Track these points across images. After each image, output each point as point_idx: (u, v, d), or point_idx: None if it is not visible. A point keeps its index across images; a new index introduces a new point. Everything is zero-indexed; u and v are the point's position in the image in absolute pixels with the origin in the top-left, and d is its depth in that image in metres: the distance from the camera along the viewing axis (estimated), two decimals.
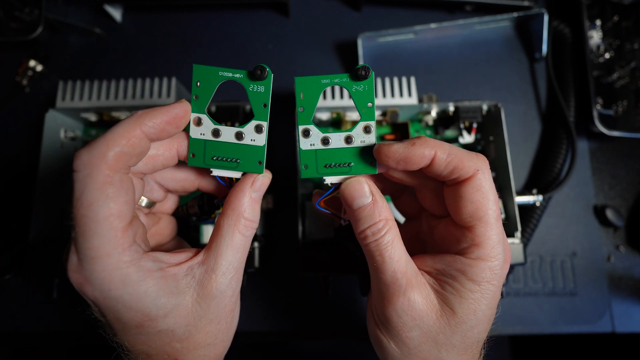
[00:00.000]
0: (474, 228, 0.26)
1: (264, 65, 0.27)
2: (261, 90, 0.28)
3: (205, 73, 0.27)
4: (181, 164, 0.30)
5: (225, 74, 0.27)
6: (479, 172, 0.26)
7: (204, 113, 0.28)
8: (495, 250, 0.26)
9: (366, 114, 0.28)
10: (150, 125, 0.25)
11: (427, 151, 0.25)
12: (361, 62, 0.50)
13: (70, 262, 0.24)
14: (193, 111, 0.28)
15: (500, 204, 0.41)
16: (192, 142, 0.28)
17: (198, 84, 0.27)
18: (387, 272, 0.26)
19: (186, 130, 0.28)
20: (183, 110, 0.26)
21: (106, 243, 0.23)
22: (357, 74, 0.27)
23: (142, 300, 0.24)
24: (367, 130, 0.28)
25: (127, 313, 0.25)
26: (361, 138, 0.28)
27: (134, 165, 0.25)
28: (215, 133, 0.28)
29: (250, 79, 0.27)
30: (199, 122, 0.28)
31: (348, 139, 0.28)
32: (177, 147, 0.28)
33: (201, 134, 0.28)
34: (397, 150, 0.26)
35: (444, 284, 0.27)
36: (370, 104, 0.28)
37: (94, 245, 0.23)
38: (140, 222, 0.27)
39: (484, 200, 0.26)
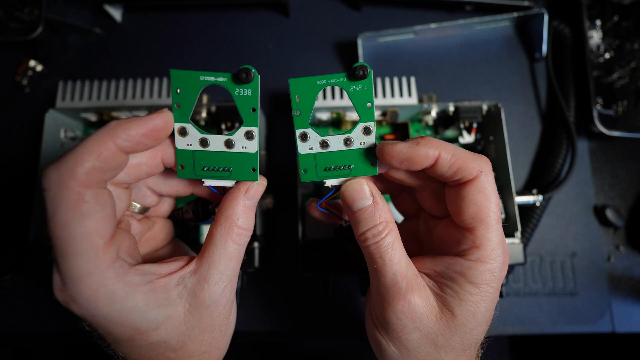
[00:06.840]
0: (475, 230, 0.26)
1: (249, 67, 0.25)
2: (248, 94, 0.26)
3: (185, 78, 0.25)
4: (171, 170, 0.28)
5: (207, 78, 0.25)
6: (482, 173, 0.26)
7: (188, 122, 0.26)
8: (495, 253, 0.26)
9: (365, 115, 0.27)
10: (124, 138, 0.23)
11: (431, 151, 0.25)
12: (361, 62, 0.50)
13: (54, 282, 0.23)
14: (176, 121, 0.25)
15: (500, 204, 0.41)
16: (180, 154, 0.26)
17: (178, 91, 0.25)
18: (388, 274, 0.26)
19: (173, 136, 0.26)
20: (163, 122, 0.24)
21: (87, 262, 0.22)
22: (354, 74, 0.26)
23: (130, 315, 0.24)
24: (366, 131, 0.27)
25: (116, 329, 0.24)
26: (361, 140, 0.27)
27: (111, 178, 0.24)
28: (203, 142, 0.26)
29: (235, 82, 0.25)
30: (183, 132, 0.26)
31: (347, 141, 0.27)
32: (162, 155, 0.26)
33: (188, 144, 0.26)
34: (401, 149, 0.25)
35: (444, 286, 0.27)
36: (369, 104, 0.27)
37: (74, 266, 0.22)
38: (126, 234, 0.26)
39: (486, 202, 0.26)
